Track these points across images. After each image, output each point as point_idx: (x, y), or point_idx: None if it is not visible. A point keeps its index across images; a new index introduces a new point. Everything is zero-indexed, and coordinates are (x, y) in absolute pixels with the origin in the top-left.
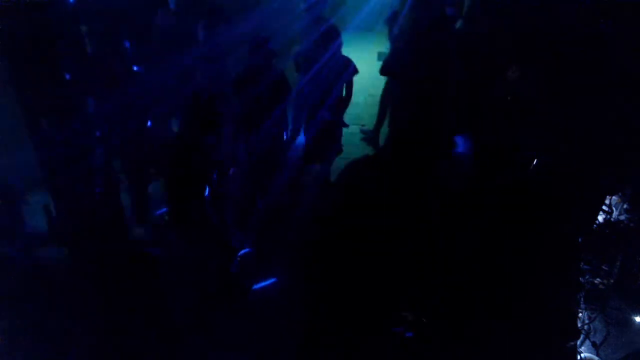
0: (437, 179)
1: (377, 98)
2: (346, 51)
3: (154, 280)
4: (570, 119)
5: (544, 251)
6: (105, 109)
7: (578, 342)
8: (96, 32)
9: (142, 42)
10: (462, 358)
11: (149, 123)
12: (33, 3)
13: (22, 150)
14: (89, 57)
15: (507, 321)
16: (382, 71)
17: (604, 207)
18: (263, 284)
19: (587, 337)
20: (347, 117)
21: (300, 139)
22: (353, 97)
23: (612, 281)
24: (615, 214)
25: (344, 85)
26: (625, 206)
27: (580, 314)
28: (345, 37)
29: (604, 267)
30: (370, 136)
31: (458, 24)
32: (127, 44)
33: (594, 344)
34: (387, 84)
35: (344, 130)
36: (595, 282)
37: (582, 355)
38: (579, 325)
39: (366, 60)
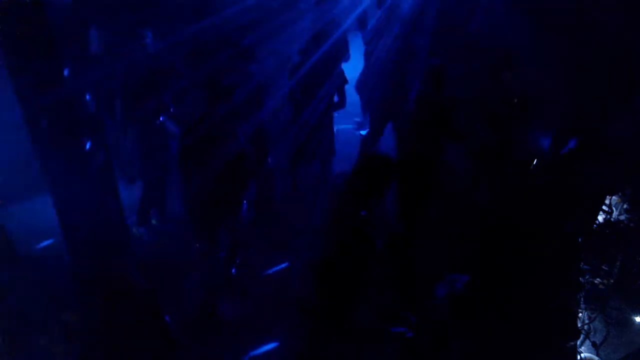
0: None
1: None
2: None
3: None
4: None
5: (544, 251)
6: None
7: (578, 342)
8: None
9: None
10: (462, 358)
11: None
12: None
13: None
14: None
15: (508, 321)
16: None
17: (604, 207)
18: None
19: (587, 337)
20: (347, 117)
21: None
22: (350, 98)
23: (612, 281)
24: (615, 214)
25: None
26: (625, 206)
27: (580, 314)
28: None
29: (604, 267)
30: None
31: None
32: None
33: (594, 344)
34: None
35: (344, 129)
36: (595, 282)
37: (582, 355)
38: (579, 325)
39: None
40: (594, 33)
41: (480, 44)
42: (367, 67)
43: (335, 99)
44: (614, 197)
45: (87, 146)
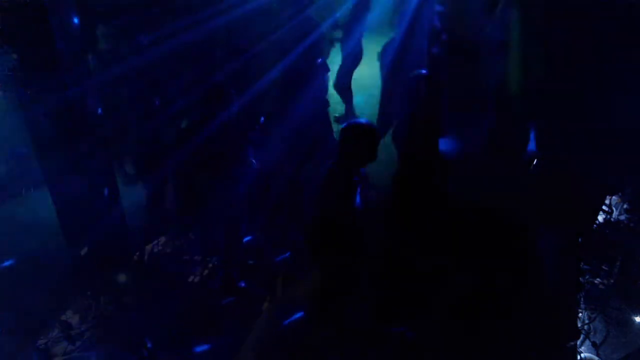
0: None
1: (377, 98)
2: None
3: None
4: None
5: (544, 251)
6: None
7: (578, 342)
8: None
9: None
10: (463, 358)
11: None
12: None
13: None
14: None
15: (508, 321)
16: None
17: (604, 207)
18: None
19: (587, 337)
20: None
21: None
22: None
23: (612, 281)
24: (615, 214)
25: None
26: (625, 206)
27: (580, 314)
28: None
29: (604, 267)
30: None
31: None
32: None
33: (594, 344)
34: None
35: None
36: (595, 282)
37: (582, 355)
38: (579, 325)
39: (366, 60)
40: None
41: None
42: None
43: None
44: (614, 197)
45: (87, 146)
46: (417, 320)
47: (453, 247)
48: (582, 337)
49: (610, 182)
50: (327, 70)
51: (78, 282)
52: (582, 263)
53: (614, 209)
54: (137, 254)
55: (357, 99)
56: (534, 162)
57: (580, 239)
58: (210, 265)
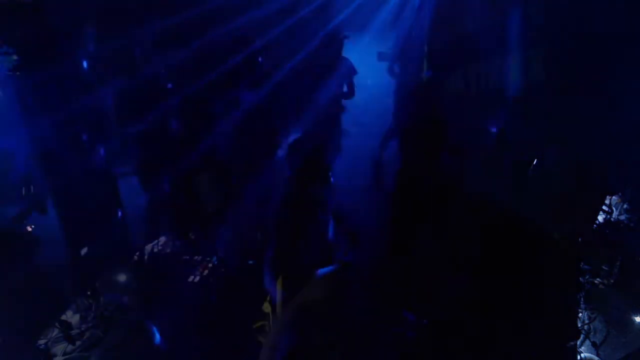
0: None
1: (377, 98)
2: (346, 52)
3: None
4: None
5: (544, 251)
6: None
7: (578, 342)
8: None
9: None
10: (463, 357)
11: None
12: None
13: None
14: None
15: (508, 321)
16: None
17: (604, 207)
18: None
19: (587, 337)
20: (347, 117)
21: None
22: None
23: (612, 281)
24: (615, 214)
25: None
26: (625, 206)
27: (580, 314)
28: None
29: (604, 267)
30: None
31: None
32: None
33: (594, 344)
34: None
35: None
36: (595, 282)
37: (582, 355)
38: (579, 325)
39: (366, 61)
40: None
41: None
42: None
43: (344, 89)
44: (614, 197)
45: (87, 146)
46: (416, 320)
47: (452, 247)
48: (582, 337)
49: (611, 182)
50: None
51: (78, 282)
52: (582, 263)
53: (614, 209)
54: (137, 253)
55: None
56: (534, 162)
57: (580, 239)
58: (211, 265)
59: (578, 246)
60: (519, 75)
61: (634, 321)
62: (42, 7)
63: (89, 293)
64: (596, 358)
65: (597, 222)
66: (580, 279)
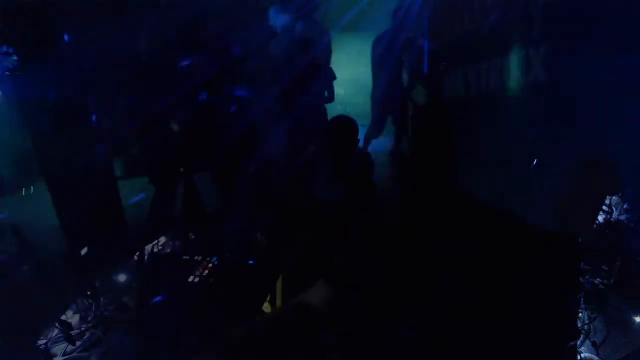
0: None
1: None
2: (342, 53)
3: None
4: None
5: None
6: None
7: (578, 342)
8: None
9: None
10: (462, 357)
11: None
12: None
13: None
14: None
15: (507, 321)
16: None
17: (604, 207)
18: None
19: (587, 337)
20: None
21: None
22: (352, 98)
23: (612, 281)
24: (615, 214)
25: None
26: (625, 206)
27: (580, 314)
28: (342, 38)
29: (604, 267)
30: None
31: None
32: None
33: (594, 344)
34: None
35: None
36: (595, 282)
37: (582, 355)
38: (579, 325)
39: (365, 61)
40: None
41: None
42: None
43: (325, 94)
44: (614, 197)
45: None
46: (416, 320)
47: (451, 247)
48: (582, 337)
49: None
50: (334, 77)
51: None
52: (582, 263)
53: (613, 209)
54: (137, 253)
55: (357, 100)
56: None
57: (580, 239)
58: (211, 265)
59: (578, 246)
60: (519, 75)
61: (634, 321)
62: (42, 7)
63: (89, 293)
64: (596, 358)
65: (597, 222)
66: (580, 279)
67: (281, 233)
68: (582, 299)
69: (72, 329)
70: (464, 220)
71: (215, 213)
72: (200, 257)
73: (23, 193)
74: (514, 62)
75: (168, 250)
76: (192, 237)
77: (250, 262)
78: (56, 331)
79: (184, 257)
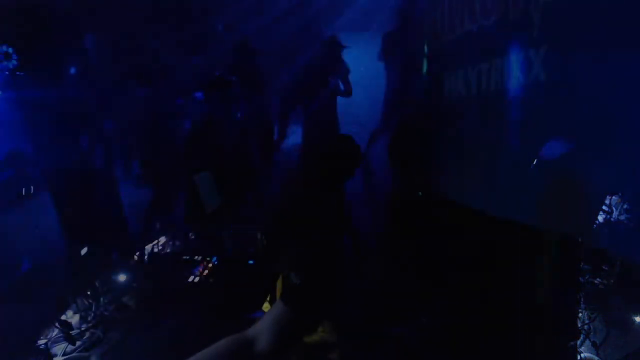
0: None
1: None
2: (345, 52)
3: None
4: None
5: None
6: None
7: (578, 342)
8: None
9: None
10: (462, 357)
11: None
12: None
13: None
14: None
15: (507, 321)
16: None
17: (604, 207)
18: None
19: (587, 337)
20: (346, 117)
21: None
22: (352, 98)
23: (612, 281)
24: (615, 214)
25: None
26: (625, 206)
27: (580, 314)
28: (343, 37)
29: (604, 267)
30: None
31: None
32: None
33: (594, 344)
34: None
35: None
36: (595, 282)
37: (582, 355)
38: (579, 325)
39: (365, 61)
40: None
41: None
42: None
43: (341, 87)
44: (614, 197)
45: (87, 145)
46: (416, 320)
47: (451, 246)
48: (582, 337)
49: (611, 182)
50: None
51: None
52: (582, 263)
53: (613, 209)
54: (137, 253)
55: (357, 100)
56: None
57: (580, 239)
58: (211, 265)
59: (578, 246)
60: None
61: (634, 321)
62: (42, 7)
63: (89, 293)
64: (596, 358)
65: (597, 222)
66: (580, 279)
67: (281, 234)
68: (582, 299)
69: (72, 329)
70: (464, 220)
71: (215, 213)
72: (200, 257)
73: (23, 193)
74: (514, 62)
75: (168, 250)
76: (192, 237)
77: (250, 262)
78: (56, 331)
79: (184, 257)
